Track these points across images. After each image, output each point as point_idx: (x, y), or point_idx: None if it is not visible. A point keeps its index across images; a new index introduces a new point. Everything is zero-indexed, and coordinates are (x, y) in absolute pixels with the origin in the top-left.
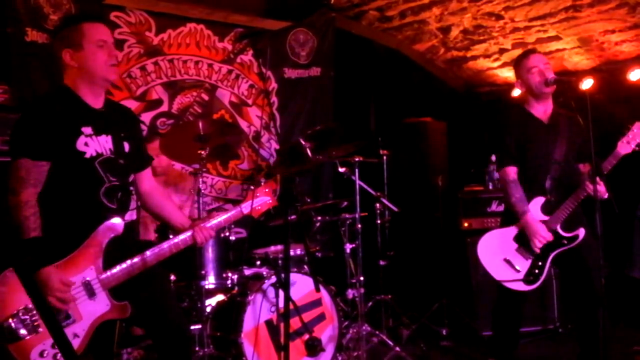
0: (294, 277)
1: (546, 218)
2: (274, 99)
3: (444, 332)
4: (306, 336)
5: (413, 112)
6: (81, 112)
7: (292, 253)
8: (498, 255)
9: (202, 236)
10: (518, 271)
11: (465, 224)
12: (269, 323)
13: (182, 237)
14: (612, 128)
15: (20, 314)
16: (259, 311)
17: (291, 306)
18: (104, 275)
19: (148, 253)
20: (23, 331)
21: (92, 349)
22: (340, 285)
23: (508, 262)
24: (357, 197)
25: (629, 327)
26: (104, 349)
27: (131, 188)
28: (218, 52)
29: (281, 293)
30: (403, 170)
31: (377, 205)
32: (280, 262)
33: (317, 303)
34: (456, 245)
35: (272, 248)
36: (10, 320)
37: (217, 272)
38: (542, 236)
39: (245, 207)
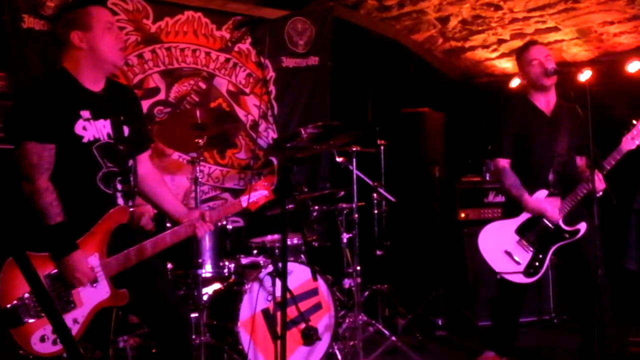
0: (291, 266)
1: None
2: (272, 87)
3: (440, 322)
4: (302, 325)
5: (411, 103)
6: (80, 95)
7: (289, 242)
8: (499, 247)
9: (203, 230)
10: (518, 263)
11: (462, 215)
12: (265, 312)
13: (183, 228)
14: (610, 120)
15: (25, 299)
16: (255, 300)
17: (288, 295)
18: (106, 263)
19: (149, 242)
20: (26, 316)
21: (88, 336)
22: (336, 274)
23: (508, 254)
24: (355, 187)
25: (624, 318)
26: (100, 336)
27: (131, 175)
28: (216, 40)
29: (278, 282)
30: (400, 160)
31: (374, 195)
32: (277, 251)
33: (314, 292)
34: (453, 235)
35: (269, 237)
36: (15, 304)
37: (214, 261)
38: (551, 208)
39: (245, 200)
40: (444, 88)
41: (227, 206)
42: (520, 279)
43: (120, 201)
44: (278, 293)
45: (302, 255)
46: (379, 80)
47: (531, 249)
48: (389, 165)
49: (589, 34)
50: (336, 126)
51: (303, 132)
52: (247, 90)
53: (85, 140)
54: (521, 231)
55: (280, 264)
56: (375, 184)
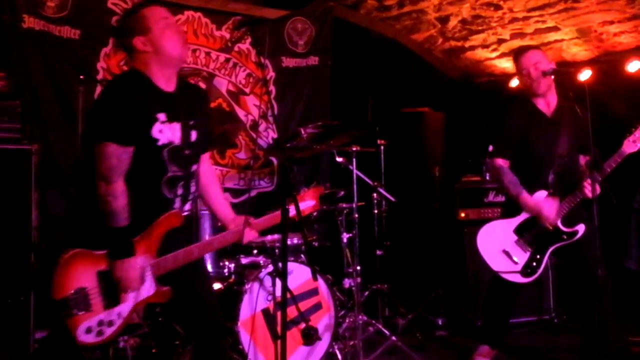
0: (291, 266)
1: None
2: (272, 87)
3: (440, 321)
4: (302, 325)
5: (411, 102)
6: (155, 96)
7: (289, 242)
8: (497, 246)
9: (250, 237)
10: (516, 263)
11: (462, 215)
12: (265, 312)
13: (230, 234)
14: (610, 120)
15: (77, 292)
16: (255, 300)
17: (288, 295)
18: (155, 263)
19: (195, 246)
20: (75, 308)
21: None
22: (336, 274)
23: (506, 253)
24: (355, 187)
25: (625, 318)
26: None
27: (192, 180)
28: (216, 40)
29: (278, 282)
30: (400, 160)
31: (374, 195)
32: (277, 251)
33: (314, 292)
34: (453, 235)
35: (269, 237)
36: (66, 296)
37: (214, 261)
38: (548, 209)
39: (292, 210)
40: (444, 88)
41: (272, 215)
42: (518, 278)
43: (177, 205)
44: (278, 293)
45: (302, 255)
46: (379, 80)
47: (529, 249)
48: (389, 165)
49: (589, 33)
50: (336, 126)
51: (303, 132)
52: (247, 90)
53: (160, 143)
54: (520, 231)
55: (280, 264)
56: (375, 183)
